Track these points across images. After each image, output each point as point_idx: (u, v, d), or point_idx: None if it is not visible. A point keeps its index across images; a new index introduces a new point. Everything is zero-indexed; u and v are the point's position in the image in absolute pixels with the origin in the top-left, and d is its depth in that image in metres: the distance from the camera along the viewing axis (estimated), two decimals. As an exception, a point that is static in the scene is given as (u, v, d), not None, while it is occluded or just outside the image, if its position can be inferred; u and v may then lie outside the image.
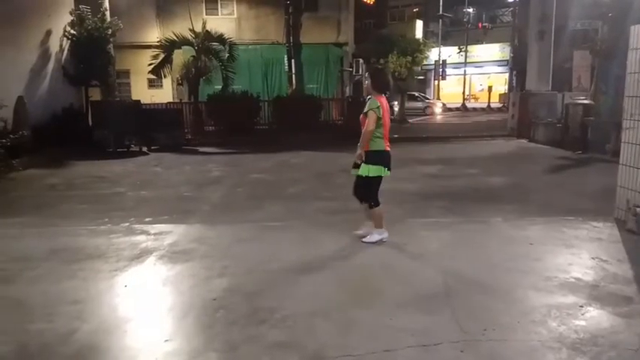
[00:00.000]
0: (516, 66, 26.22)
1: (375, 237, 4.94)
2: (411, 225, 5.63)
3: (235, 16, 21.06)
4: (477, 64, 37.58)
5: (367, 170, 4.75)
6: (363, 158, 4.74)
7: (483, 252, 4.68)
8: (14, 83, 11.28)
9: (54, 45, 13.32)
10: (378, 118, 4.65)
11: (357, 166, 4.84)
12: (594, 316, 3.36)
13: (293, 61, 17.24)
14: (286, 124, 15.09)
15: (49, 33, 13.03)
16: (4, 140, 8.85)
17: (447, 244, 4.96)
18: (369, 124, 4.64)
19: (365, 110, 4.71)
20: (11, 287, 4.00)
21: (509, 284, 3.92)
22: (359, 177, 4.84)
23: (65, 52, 13.79)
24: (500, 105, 33.37)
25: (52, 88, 13.00)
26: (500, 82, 37.21)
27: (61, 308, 3.58)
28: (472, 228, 5.48)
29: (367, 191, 4.88)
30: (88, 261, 4.57)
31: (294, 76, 17.41)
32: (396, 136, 16.39)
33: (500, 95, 35.41)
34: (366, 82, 4.89)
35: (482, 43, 36.95)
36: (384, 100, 4.80)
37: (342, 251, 4.76)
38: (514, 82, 29.15)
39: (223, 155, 12.40)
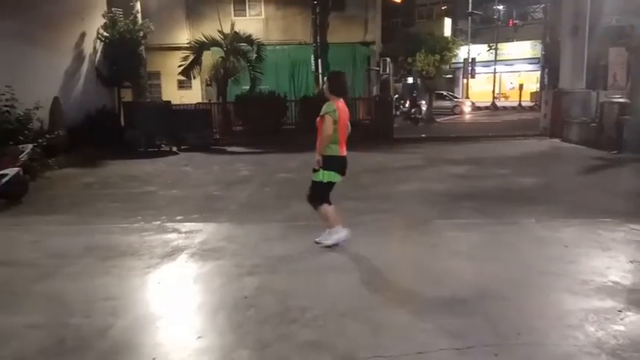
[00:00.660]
0: (548, 63, 25.61)
1: (329, 239, 4.76)
2: (440, 226, 5.56)
3: (263, 16, 21.20)
4: (507, 62, 36.79)
5: (322, 175, 4.65)
6: (321, 164, 4.63)
7: (516, 254, 4.59)
8: (50, 85, 11.63)
9: (88, 47, 13.67)
10: (334, 122, 4.55)
11: (316, 171, 4.73)
12: (634, 321, 3.25)
13: (320, 60, 17.24)
14: (313, 124, 15.07)
15: (83, 35, 13.38)
16: (40, 140, 9.12)
17: (478, 245, 4.88)
18: (325, 128, 4.54)
19: (321, 113, 4.61)
20: (50, 282, 4.13)
21: (543, 287, 3.84)
22: (313, 181, 4.74)
23: (98, 54, 14.13)
24: (531, 104, 32.62)
25: (86, 90, 13.35)
26: (531, 80, 36.38)
27: (97, 304, 3.68)
28: (504, 229, 5.38)
29: (316, 193, 4.76)
30: (122, 258, 4.69)
31: (320, 75, 17.41)
32: (423, 135, 16.30)
33: (531, 94, 34.63)
34: (324, 86, 4.85)
35: (512, 41, 36.18)
36: (341, 103, 4.70)
37: (370, 252, 4.73)
38: (546, 80, 28.50)
39: (251, 155, 12.52)
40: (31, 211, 6.77)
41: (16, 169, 7.05)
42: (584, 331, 3.10)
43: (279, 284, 4.00)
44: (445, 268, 4.25)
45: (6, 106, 9.02)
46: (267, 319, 3.37)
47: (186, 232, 5.45)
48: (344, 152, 4.74)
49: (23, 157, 7.33)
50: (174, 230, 5.59)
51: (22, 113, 9.20)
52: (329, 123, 4.54)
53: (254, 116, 15.03)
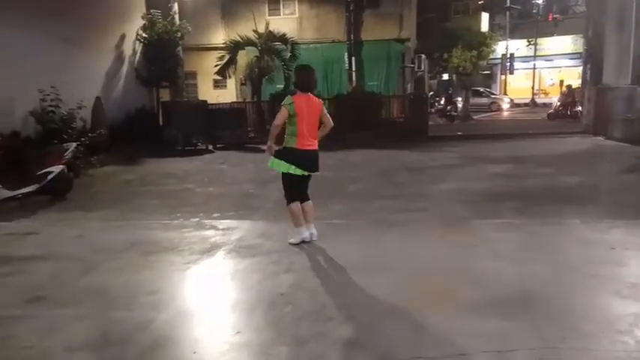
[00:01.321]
0: (590, 59, 24.66)
1: (294, 238, 4.87)
2: (480, 226, 5.43)
3: (297, 15, 21.26)
4: (547, 57, 35.70)
5: (270, 163, 4.81)
6: (272, 152, 4.79)
7: (560, 256, 4.43)
8: (93, 85, 12.01)
9: (127, 48, 14.04)
10: (290, 116, 4.63)
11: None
12: (689, 328, 3.09)
13: (353, 58, 17.18)
14: (346, 122, 15.03)
15: (123, 37, 13.75)
16: (83, 139, 9.44)
17: (521, 246, 4.74)
18: (276, 118, 4.72)
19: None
20: (95, 276, 4.27)
21: (590, 290, 3.69)
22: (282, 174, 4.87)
23: (138, 55, 14.48)
24: (572, 100, 31.55)
25: (126, 90, 13.73)
26: (572, 76, 35.11)
27: (140, 298, 3.77)
28: (547, 230, 5.21)
29: (283, 188, 4.90)
30: (163, 254, 4.79)
31: (354, 73, 17.35)
32: (459, 133, 16.01)
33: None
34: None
35: (552, 36, 35.08)
36: (306, 98, 4.73)
37: (407, 251, 4.68)
38: (588, 75, 27.44)
39: (285, 153, 12.56)
40: (76, 207, 7.01)
41: (60, 167, 7.31)
42: (635, 337, 2.97)
43: (315, 282, 4.00)
44: (485, 270, 4.15)
45: (51, 106, 9.38)
46: (303, 317, 3.38)
47: (223, 229, 5.53)
48: (306, 146, 4.74)
49: (67, 155, 7.58)
50: (212, 227, 5.68)
51: (65, 113, 9.55)
52: (280, 115, 4.69)
53: (288, 115, 15.12)
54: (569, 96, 20.74)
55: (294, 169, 4.75)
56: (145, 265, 4.47)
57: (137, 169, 10.47)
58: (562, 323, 3.16)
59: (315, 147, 4.83)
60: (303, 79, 4.86)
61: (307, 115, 4.72)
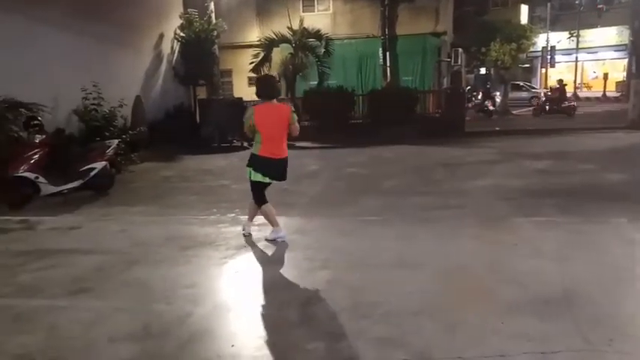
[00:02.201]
0: (637, 50, 23.55)
1: (271, 235, 4.98)
2: (519, 224, 5.28)
3: (331, 11, 21.20)
4: (590, 49, 34.34)
5: (247, 172, 4.96)
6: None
7: (606, 255, 4.26)
8: (133, 84, 12.34)
9: (166, 47, 14.34)
10: (250, 125, 4.77)
11: None
12: None
13: (388, 53, 16.99)
14: (381, 118, 14.94)
15: (161, 36, 14.06)
16: (124, 136, 9.73)
17: (563, 245, 4.58)
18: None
19: None
20: (136, 269, 4.39)
21: (638, 292, 3.53)
22: None
23: (175, 53, 14.79)
24: (617, 94, 30.25)
25: (164, 88, 14.04)
26: (617, 68, 33.72)
27: (178, 291, 3.86)
28: (591, 229, 5.01)
29: (252, 191, 5.05)
30: (200, 248, 4.89)
31: (388, 68, 17.16)
32: (497, 128, 15.62)
33: (617, 83, 32.08)
34: None
35: (596, 27, 33.70)
36: (267, 107, 4.79)
37: (442, 249, 4.61)
38: (634, 68, 26.22)
39: (319, 150, 12.60)
40: (117, 202, 7.24)
41: (103, 163, 7.55)
42: (688, 342, 2.83)
43: (350, 279, 3.98)
44: (525, 268, 4.03)
45: (93, 104, 9.71)
46: (339, 313, 3.37)
47: (259, 225, 5.57)
48: (268, 154, 4.81)
49: (109, 152, 7.81)
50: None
51: (107, 111, 9.87)
52: (245, 125, 4.91)
53: (322, 111, 15.11)
54: (557, 91, 19.88)
55: (256, 176, 4.89)
56: (182, 260, 4.57)
57: (175, 165, 10.71)
58: (608, 325, 3.04)
59: (280, 155, 4.88)
60: (265, 87, 4.94)
61: (270, 124, 4.80)
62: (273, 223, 5.04)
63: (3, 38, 8.33)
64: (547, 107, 19.68)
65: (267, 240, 5.00)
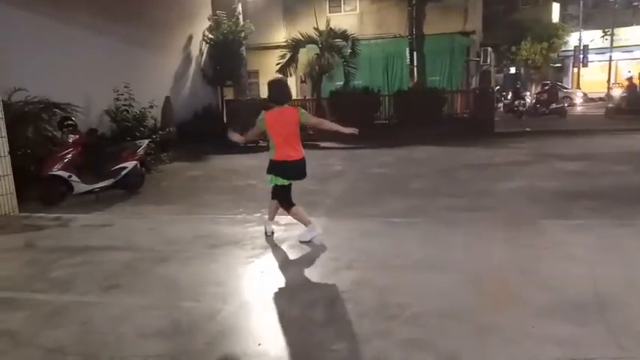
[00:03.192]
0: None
1: (306, 235, 4.94)
2: (550, 227, 5.16)
3: (357, 11, 21.18)
4: (625, 48, 33.24)
5: (267, 178, 5.01)
6: (234, 137, 5.24)
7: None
8: (162, 85, 12.60)
9: (194, 49, 14.58)
10: (264, 131, 4.81)
11: None
12: None
13: (415, 53, 16.85)
14: (407, 118, 14.82)
15: (190, 38, 14.30)
16: (154, 136, 9.93)
17: (596, 248, 4.45)
18: (252, 130, 5.07)
19: None
20: (166, 267, 4.47)
21: (676, 298, 3.41)
22: None
23: (204, 55, 15.01)
24: (653, 93, 29.22)
25: (193, 89, 14.27)
26: (654, 67, 32.61)
27: (207, 289, 3.91)
28: (625, 232, 4.86)
29: (277, 197, 5.07)
30: (228, 247, 4.95)
31: (415, 68, 17.01)
32: (527, 129, 15.30)
33: (653, 82, 31.02)
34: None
35: (631, 25, 32.65)
36: (278, 112, 4.79)
37: (470, 251, 4.54)
38: (672, 67, 25.30)
39: (344, 150, 12.56)
40: (148, 200, 7.39)
41: (134, 163, 7.73)
42: None
43: (376, 280, 3.97)
44: (556, 272, 3.94)
45: (124, 105, 9.94)
46: (365, 314, 3.36)
47: (285, 225, 5.60)
48: (284, 157, 4.82)
49: (140, 151, 7.98)
50: (274, 222, 5.74)
51: (138, 112, 10.09)
52: (254, 129, 5.02)
53: (347, 112, 15.03)
54: (547, 92, 19.22)
55: (278, 180, 4.90)
56: (211, 258, 4.64)
57: (203, 165, 10.87)
58: (644, 332, 2.95)
59: (296, 157, 4.87)
60: (276, 92, 4.91)
61: (281, 129, 4.80)
62: (305, 222, 5.00)
63: (39, 41, 8.63)
64: (537, 108, 19.21)
65: (301, 242, 4.93)
